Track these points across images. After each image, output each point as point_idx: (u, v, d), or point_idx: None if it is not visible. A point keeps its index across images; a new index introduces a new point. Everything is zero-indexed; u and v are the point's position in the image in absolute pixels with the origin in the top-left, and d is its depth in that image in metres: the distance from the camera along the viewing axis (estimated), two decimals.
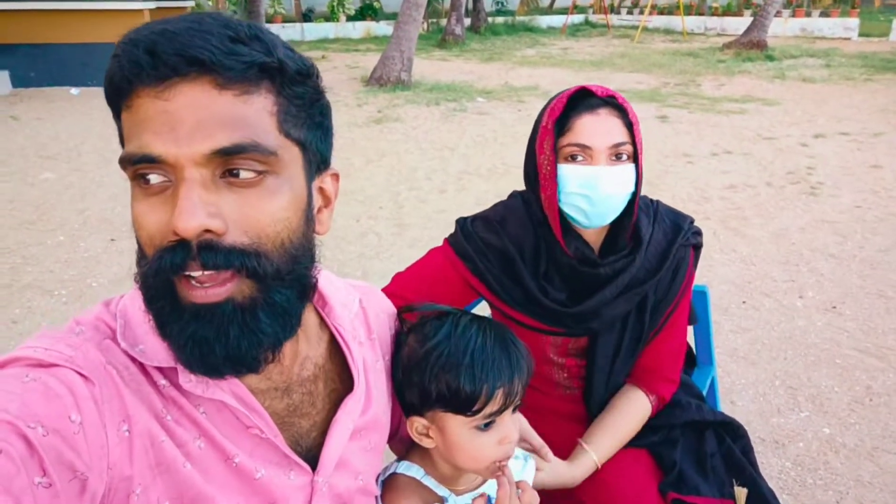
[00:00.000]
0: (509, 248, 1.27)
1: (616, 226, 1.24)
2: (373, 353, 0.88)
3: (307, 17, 19.26)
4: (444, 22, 17.80)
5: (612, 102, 1.14)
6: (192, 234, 0.58)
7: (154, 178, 0.60)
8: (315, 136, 0.68)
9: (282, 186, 0.64)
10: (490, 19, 19.87)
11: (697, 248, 1.33)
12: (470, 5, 19.17)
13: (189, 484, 0.67)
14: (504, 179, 5.37)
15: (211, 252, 0.59)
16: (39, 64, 9.41)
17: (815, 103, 8.56)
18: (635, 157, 1.16)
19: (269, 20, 15.43)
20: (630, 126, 1.15)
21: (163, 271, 0.60)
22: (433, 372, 0.87)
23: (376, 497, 0.91)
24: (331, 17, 17.99)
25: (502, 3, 23.12)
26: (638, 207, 1.22)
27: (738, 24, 17.19)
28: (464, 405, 0.86)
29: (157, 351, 0.67)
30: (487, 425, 0.88)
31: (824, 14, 17.99)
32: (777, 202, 4.82)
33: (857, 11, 18.02)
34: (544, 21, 21.07)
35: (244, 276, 0.61)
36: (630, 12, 22.27)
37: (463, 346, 0.87)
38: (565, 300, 1.25)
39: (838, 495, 2.06)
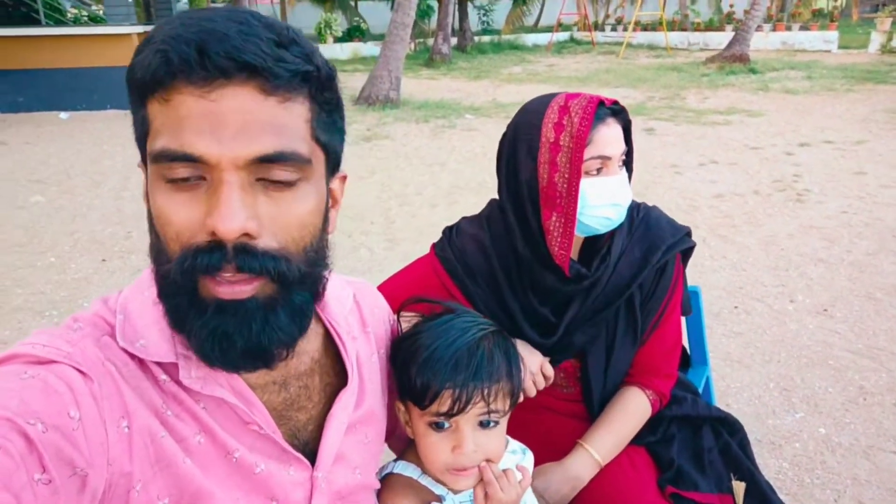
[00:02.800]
0: (493, 260, 1.26)
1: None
2: (367, 347, 0.89)
3: None
4: (430, 41, 17.97)
5: (616, 109, 1.15)
6: (232, 235, 0.59)
7: (186, 175, 0.60)
8: (335, 140, 0.69)
9: (310, 192, 0.65)
10: (476, 38, 20.08)
11: (686, 251, 1.32)
12: (456, 25, 19.38)
13: (189, 479, 0.66)
14: (494, 193, 5.39)
15: (247, 255, 0.60)
16: (28, 89, 9.42)
17: (799, 114, 8.69)
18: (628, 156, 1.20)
19: None
20: (625, 128, 1.17)
21: (195, 270, 0.60)
22: (400, 359, 0.90)
23: (376, 491, 0.91)
24: (318, 38, 18.13)
25: (488, 23, 23.38)
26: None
27: (720, 39, 17.45)
28: (416, 397, 0.88)
29: (158, 346, 0.67)
30: (440, 426, 0.88)
31: (804, 28, 18.31)
32: (765, 209, 4.87)
33: (836, 25, 18.36)
34: (530, 39, 21.31)
35: (269, 280, 0.63)
36: (614, 29, 22.58)
37: (431, 341, 0.88)
38: (547, 318, 1.25)
39: (836, 494, 2.06)
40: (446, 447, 0.89)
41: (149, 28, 11.49)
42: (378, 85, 9.83)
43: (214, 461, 0.69)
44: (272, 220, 0.62)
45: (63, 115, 9.34)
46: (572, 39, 22.09)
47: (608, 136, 1.13)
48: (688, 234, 1.30)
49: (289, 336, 0.66)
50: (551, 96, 1.18)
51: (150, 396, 0.66)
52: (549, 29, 22.54)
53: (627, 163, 1.20)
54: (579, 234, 1.21)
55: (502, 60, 17.11)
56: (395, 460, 0.98)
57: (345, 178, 0.76)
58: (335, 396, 0.80)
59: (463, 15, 19.41)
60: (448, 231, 1.35)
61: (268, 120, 0.60)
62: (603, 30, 22.81)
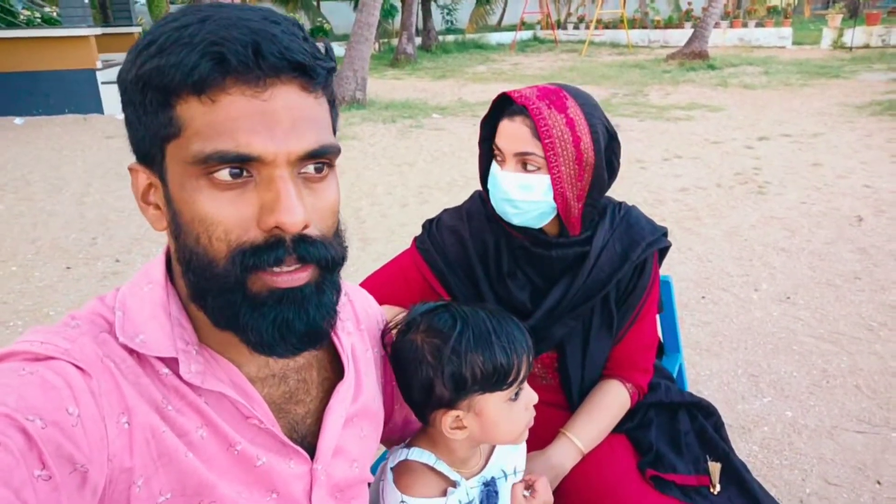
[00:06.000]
0: (470, 251, 1.30)
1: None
2: (362, 343, 0.90)
3: None
4: (395, 41, 17.95)
5: (526, 111, 1.15)
6: (298, 228, 0.61)
7: (235, 175, 0.61)
8: (336, 132, 0.72)
9: (334, 181, 0.69)
10: (440, 38, 20.12)
11: (663, 250, 1.35)
12: (420, 24, 19.38)
13: (191, 473, 0.67)
14: (464, 192, 5.43)
15: (306, 245, 0.63)
16: None
17: (757, 108, 8.92)
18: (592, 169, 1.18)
19: None
20: (549, 134, 1.15)
21: (257, 267, 0.62)
22: (467, 357, 0.89)
23: (368, 484, 0.92)
24: None
25: (451, 22, 23.44)
26: (577, 218, 1.23)
27: (679, 36, 17.79)
28: (501, 379, 0.90)
29: (158, 341, 0.67)
30: (517, 394, 0.94)
31: (760, 24, 18.80)
32: (728, 202, 5.00)
33: (790, 21, 18.90)
34: (493, 38, 21.42)
35: (316, 266, 0.65)
36: (576, 27, 22.84)
37: (484, 327, 0.91)
38: (525, 304, 1.28)
39: (803, 473, 2.14)
40: (523, 409, 0.95)
41: (108, 30, 11.27)
42: (344, 85, 9.78)
43: (217, 454, 0.69)
44: (314, 210, 0.64)
45: (18, 120, 9.08)
46: (535, 38, 22.28)
47: (506, 131, 1.18)
48: (664, 234, 1.34)
49: (335, 312, 0.69)
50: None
51: (149, 392, 0.66)
52: (512, 28, 22.68)
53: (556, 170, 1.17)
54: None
55: (467, 59, 17.17)
56: (407, 447, 0.99)
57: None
58: (332, 391, 0.81)
59: (426, 14, 19.42)
60: (429, 224, 1.38)
61: (311, 116, 0.63)
62: (565, 28, 23.06)
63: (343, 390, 0.81)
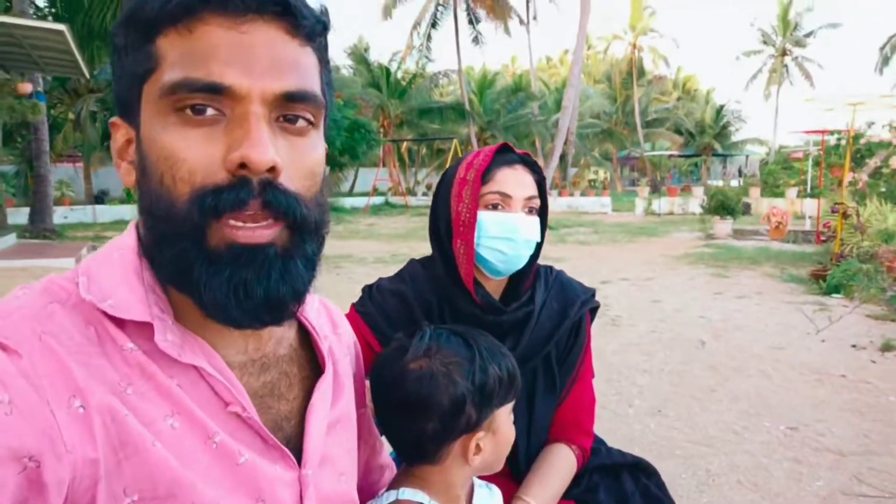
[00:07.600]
0: (415, 310, 1.28)
1: (515, 278, 1.32)
2: (339, 346, 0.83)
3: (100, 199, 18.56)
4: None
5: (527, 160, 1.26)
6: (264, 166, 0.56)
7: (204, 108, 0.56)
8: (329, 98, 0.68)
9: (319, 141, 0.65)
10: None
11: (593, 310, 1.42)
12: None
13: (161, 467, 0.56)
14: None
15: (274, 191, 0.57)
16: None
17: (595, 259, 9.90)
18: (541, 212, 1.28)
19: (57, 202, 14.49)
20: (539, 183, 1.27)
21: (218, 209, 0.56)
22: (490, 369, 0.89)
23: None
24: (127, 199, 17.42)
25: None
26: (537, 261, 1.31)
27: None
28: (514, 386, 0.93)
29: (131, 304, 0.59)
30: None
31: (584, 194, 21.50)
32: None
33: (608, 192, 21.81)
34: (348, 202, 22.35)
35: (285, 226, 0.60)
36: (425, 194, 24.55)
37: (486, 340, 0.93)
38: None
39: None
40: (513, 422, 0.97)
41: None
42: None
43: (192, 448, 0.59)
44: (290, 162, 0.60)
45: None
46: (388, 203, 23.56)
47: (510, 177, 1.23)
48: (593, 294, 1.42)
49: (303, 287, 0.62)
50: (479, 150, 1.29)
51: (102, 373, 0.56)
52: (364, 194, 23.87)
53: (542, 217, 1.28)
54: (487, 274, 1.27)
55: None
56: (394, 489, 0.91)
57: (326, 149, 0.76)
58: (313, 391, 0.73)
59: None
60: (367, 288, 1.35)
61: (293, 59, 0.59)
62: (415, 195, 24.69)
63: (324, 386, 0.74)
